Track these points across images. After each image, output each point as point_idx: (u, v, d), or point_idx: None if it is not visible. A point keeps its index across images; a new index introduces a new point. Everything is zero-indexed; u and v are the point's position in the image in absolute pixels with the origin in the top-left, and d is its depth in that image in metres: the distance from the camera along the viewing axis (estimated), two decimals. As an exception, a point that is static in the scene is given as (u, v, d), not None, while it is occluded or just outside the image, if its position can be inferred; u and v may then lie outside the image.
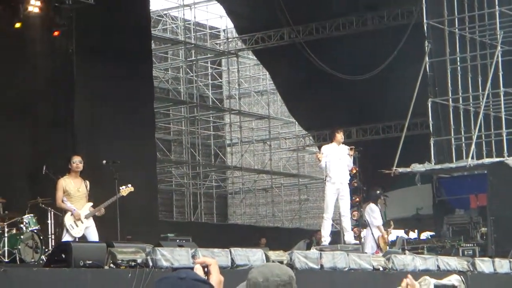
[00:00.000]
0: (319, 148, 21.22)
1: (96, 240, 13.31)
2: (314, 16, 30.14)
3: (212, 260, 3.36)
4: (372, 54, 28.84)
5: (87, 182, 13.91)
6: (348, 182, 16.76)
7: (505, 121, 23.89)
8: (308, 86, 31.42)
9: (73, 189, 13.71)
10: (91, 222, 13.79)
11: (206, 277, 3.29)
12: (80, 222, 13.65)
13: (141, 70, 23.69)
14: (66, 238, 13.40)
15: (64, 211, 13.79)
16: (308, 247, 21.19)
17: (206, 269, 3.32)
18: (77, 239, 13.40)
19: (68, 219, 13.62)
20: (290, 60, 31.68)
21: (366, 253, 16.86)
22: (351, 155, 16.50)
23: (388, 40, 28.59)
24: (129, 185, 14.22)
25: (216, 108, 38.30)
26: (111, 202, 13.91)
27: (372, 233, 18.95)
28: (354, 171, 18.45)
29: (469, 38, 24.87)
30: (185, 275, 3.11)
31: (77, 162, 13.79)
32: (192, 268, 3.29)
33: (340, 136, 16.47)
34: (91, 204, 13.85)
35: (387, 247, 18.85)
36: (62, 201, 13.72)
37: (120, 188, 14.05)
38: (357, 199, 19.06)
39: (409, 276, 4.69)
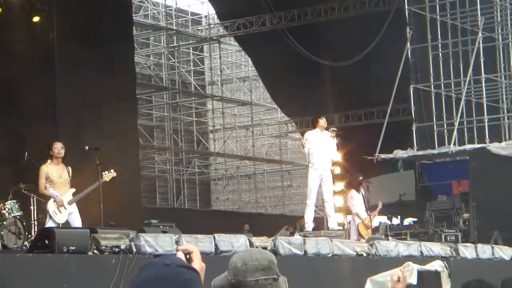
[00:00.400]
0: (302, 134, 21.24)
1: (80, 226, 13.28)
2: (296, 2, 30.10)
3: (194, 247, 3.37)
4: (354, 40, 28.84)
5: (69, 169, 13.88)
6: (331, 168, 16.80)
7: (487, 107, 23.97)
8: (290, 72, 31.40)
9: (55, 176, 13.67)
10: (74, 208, 13.76)
11: (191, 265, 3.29)
12: (64, 208, 13.62)
13: (122, 56, 23.57)
14: (49, 224, 13.35)
15: (47, 198, 13.76)
16: (292, 234, 21.25)
17: (188, 256, 3.32)
18: (60, 225, 13.36)
19: (51, 206, 13.58)
20: (272, 46, 31.62)
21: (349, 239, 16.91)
22: (334, 137, 16.53)
23: (370, 26, 28.59)
24: (112, 171, 14.21)
25: (198, 94, 38.25)
26: (94, 188, 13.88)
27: (354, 220, 19.02)
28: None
29: (450, 25, 24.92)
30: (170, 261, 3.11)
31: (58, 148, 13.74)
32: (174, 255, 3.29)
33: (322, 121, 16.46)
34: (74, 190, 13.82)
35: (370, 232, 18.90)
36: (45, 187, 13.68)
37: (103, 173, 14.03)
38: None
39: (402, 269, 4.67)
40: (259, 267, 3.72)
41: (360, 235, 18.62)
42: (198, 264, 3.30)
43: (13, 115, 19.94)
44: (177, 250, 3.40)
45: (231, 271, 3.76)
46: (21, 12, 20.18)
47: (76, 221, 13.66)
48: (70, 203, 13.67)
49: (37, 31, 20.48)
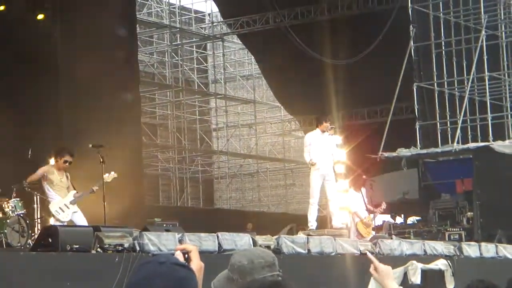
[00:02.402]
0: (305, 133, 21.21)
1: (84, 225, 13.28)
2: (299, 0, 30.07)
3: (193, 246, 3.39)
4: (357, 39, 28.81)
5: (68, 174, 13.97)
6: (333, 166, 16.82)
7: (490, 106, 23.93)
8: (293, 70, 31.36)
9: (56, 179, 13.74)
10: (77, 208, 13.78)
11: (186, 263, 3.30)
12: (66, 207, 13.61)
13: (126, 54, 23.57)
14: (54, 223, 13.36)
15: (47, 200, 13.80)
16: (289, 233, 21.23)
17: (186, 255, 3.33)
18: (64, 224, 13.37)
19: (53, 205, 13.58)
20: (275, 44, 31.60)
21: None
22: (333, 133, 16.57)
23: (373, 25, 28.56)
24: (112, 172, 14.22)
25: (201, 92, 38.25)
26: (93, 190, 13.90)
27: (353, 219, 19.01)
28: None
29: (453, 22, 24.87)
30: (165, 259, 3.13)
31: (68, 162, 13.76)
32: (172, 255, 3.30)
33: (326, 125, 16.50)
34: (75, 191, 13.85)
35: (371, 230, 18.84)
36: (47, 189, 13.69)
37: (104, 176, 14.05)
38: None
39: (369, 256, 4.63)
40: (265, 264, 3.74)
41: (359, 233, 18.59)
42: (196, 263, 3.32)
43: (16, 114, 19.93)
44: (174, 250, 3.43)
45: (235, 271, 3.75)
46: (25, 10, 20.19)
47: (80, 219, 13.67)
48: (72, 203, 13.68)
49: (40, 28, 20.47)
